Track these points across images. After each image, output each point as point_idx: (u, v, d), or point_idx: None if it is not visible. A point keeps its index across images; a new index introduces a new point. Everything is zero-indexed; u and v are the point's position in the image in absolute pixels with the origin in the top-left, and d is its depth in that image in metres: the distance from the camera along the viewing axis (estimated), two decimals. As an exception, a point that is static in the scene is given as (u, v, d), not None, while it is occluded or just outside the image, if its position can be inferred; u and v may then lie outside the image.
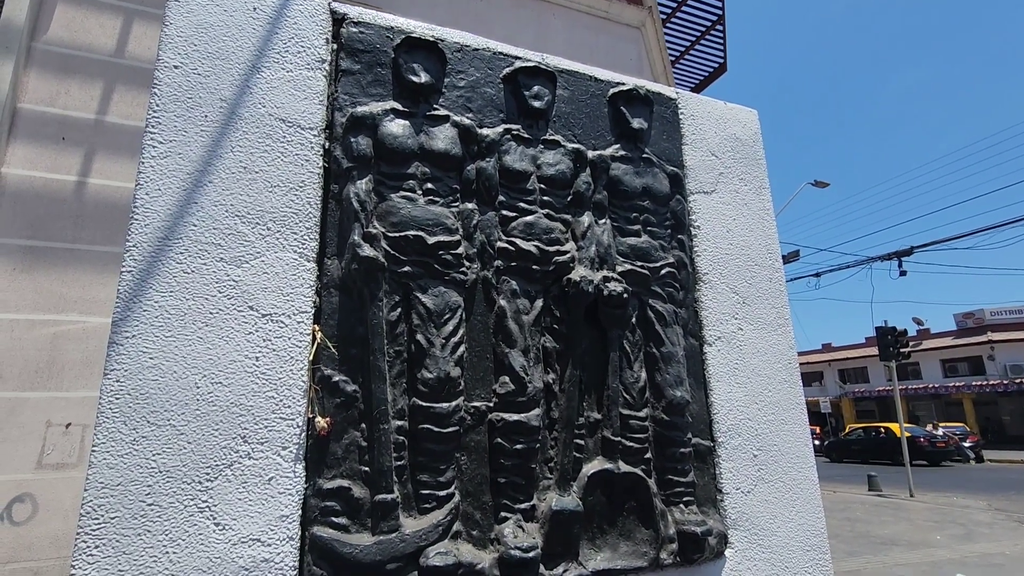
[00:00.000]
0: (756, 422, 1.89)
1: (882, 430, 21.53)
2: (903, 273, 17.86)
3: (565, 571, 1.46)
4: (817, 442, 23.25)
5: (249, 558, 1.20)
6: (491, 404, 1.52)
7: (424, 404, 1.42)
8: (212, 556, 1.18)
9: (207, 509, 1.20)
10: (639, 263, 1.80)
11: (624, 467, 1.61)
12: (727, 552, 1.71)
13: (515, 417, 1.50)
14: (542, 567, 1.42)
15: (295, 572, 1.24)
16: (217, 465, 1.22)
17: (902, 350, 14.35)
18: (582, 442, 1.60)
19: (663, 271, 1.84)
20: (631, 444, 1.65)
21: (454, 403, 1.45)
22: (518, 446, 1.49)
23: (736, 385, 1.90)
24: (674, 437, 1.71)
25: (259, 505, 1.24)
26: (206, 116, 1.39)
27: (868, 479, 13.91)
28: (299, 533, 1.26)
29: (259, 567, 1.21)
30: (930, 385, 30.83)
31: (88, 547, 1.10)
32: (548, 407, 1.59)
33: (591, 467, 1.59)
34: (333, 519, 1.29)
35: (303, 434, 1.32)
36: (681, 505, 1.67)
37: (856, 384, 35.09)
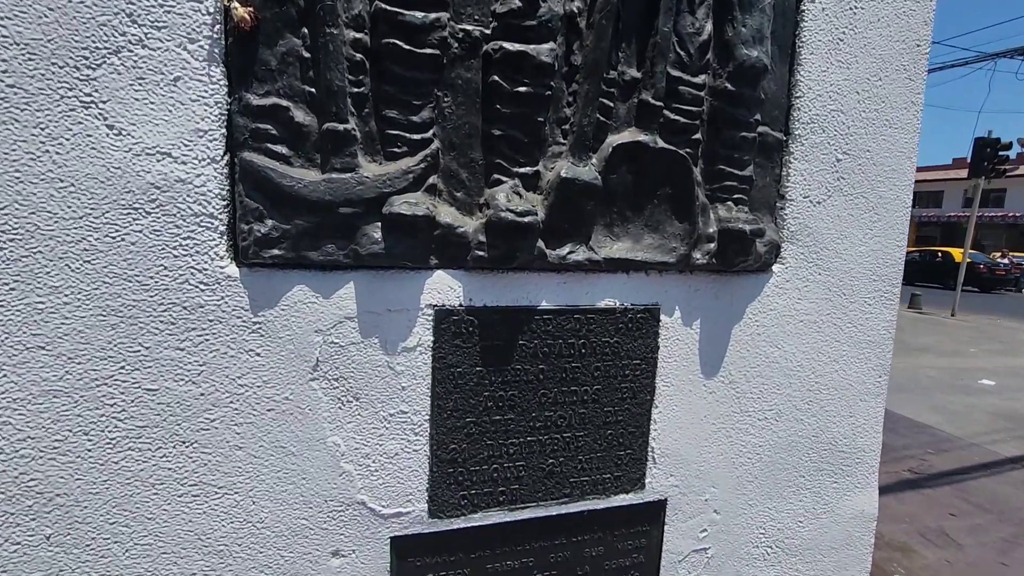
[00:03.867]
0: (850, 117, 1.41)
1: (939, 254, 20.52)
2: (1032, 75, 14.96)
3: (571, 253, 1.18)
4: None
5: (159, 175, 0.94)
6: (488, 30, 1.09)
7: (390, 8, 1.00)
8: (110, 166, 0.91)
9: (93, 106, 0.90)
10: None
11: (662, 143, 1.22)
12: (775, 267, 1.40)
13: (519, 48, 1.08)
14: (542, 244, 1.14)
15: (224, 203, 0.99)
16: (98, 48, 0.89)
17: (998, 166, 12.73)
18: (611, 104, 1.19)
19: None
20: (677, 117, 1.23)
21: (434, 15, 1.03)
22: (522, 88, 1.09)
23: (836, 63, 1.38)
24: (737, 116, 1.27)
25: (164, 112, 0.93)
26: None
27: (910, 297, 13.60)
28: (225, 156, 0.98)
29: (173, 187, 0.95)
30: (1010, 214, 28.46)
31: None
32: (568, 48, 1.15)
33: (619, 137, 1.21)
34: (269, 146, 0.99)
35: (219, 28, 0.95)
36: (730, 203, 1.31)
37: (926, 208, 32.79)
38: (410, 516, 1.18)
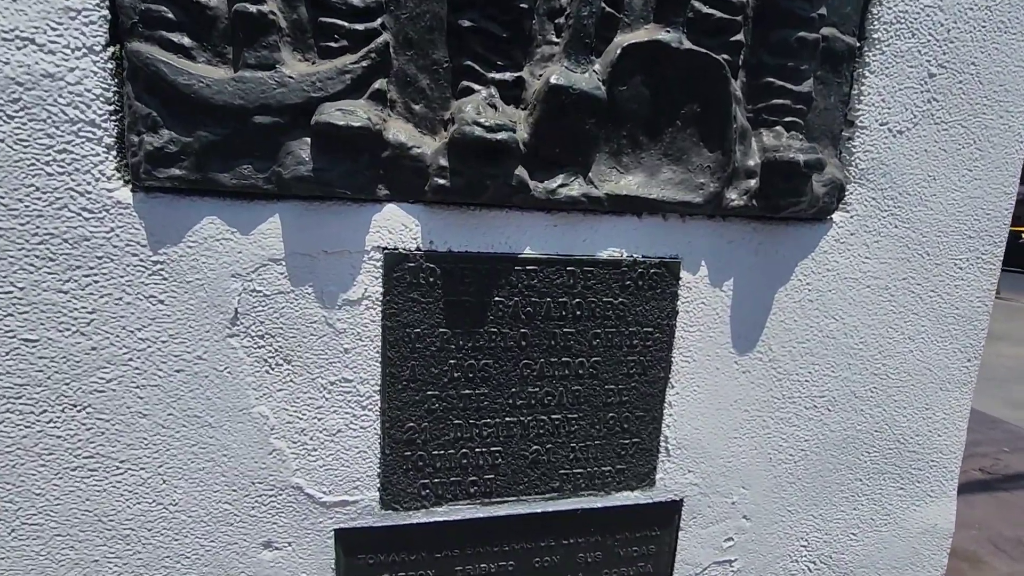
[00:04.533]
0: (951, 16, 1.06)
1: (1020, 235, 18.62)
2: None
3: (563, 186, 0.92)
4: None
5: (19, 66, 0.73)
6: None
7: None
8: (-43, 54, 0.72)
9: (-70, -27, 0.70)
10: None
11: (690, 44, 0.93)
12: (837, 215, 1.09)
13: (495, -95, 0.81)
14: (525, 173, 0.89)
15: (110, 108, 0.78)
16: None
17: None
18: (622, -9, 0.91)
19: None
20: (712, 11, 0.93)
21: None
22: (498, -39, 0.83)
23: (935, -59, 1.03)
24: (794, 10, 0.96)
25: (23, -17, 0.72)
26: None
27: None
28: (109, 47, 0.76)
29: (40, 84, 0.74)
30: (1110, 193, 25.58)
31: None
32: (565, -90, 0.87)
33: (632, 36, 0.92)
34: (165, 34, 0.77)
35: None
36: (779, 128, 1.01)
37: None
38: (358, 506, 0.97)
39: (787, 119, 1.01)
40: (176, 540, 0.91)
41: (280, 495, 0.94)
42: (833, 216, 1.09)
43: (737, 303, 1.07)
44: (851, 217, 1.10)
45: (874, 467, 1.24)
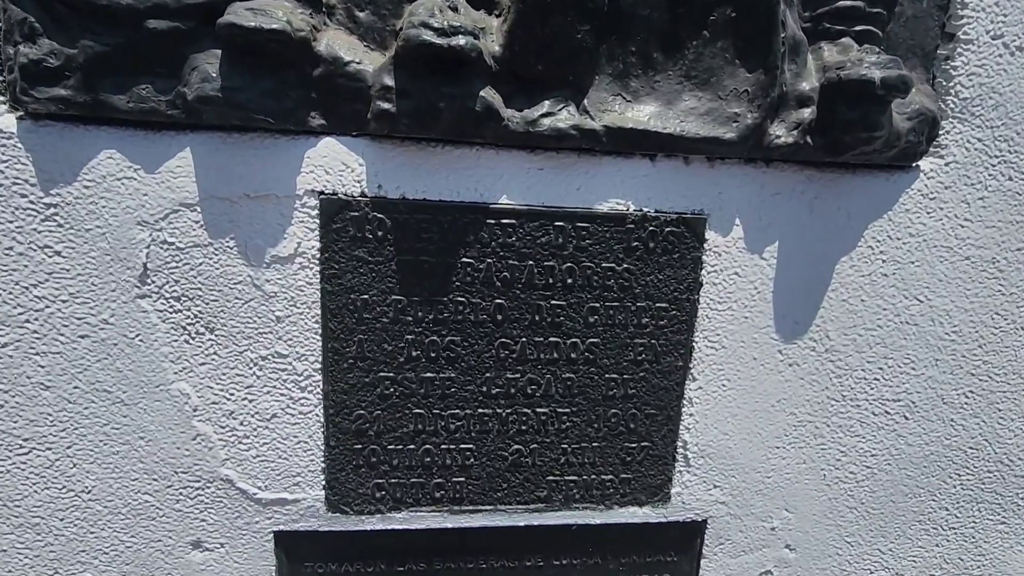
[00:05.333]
0: None
1: None
2: None
3: (547, 115, 0.71)
4: None
5: None
6: None
7: None
8: None
9: None
10: None
11: (725, -76, 0.70)
12: (925, 163, 0.82)
13: None
14: (495, 96, 0.69)
15: (-13, 16, 0.64)
16: None
17: None
18: None
19: None
20: None
21: None
22: None
23: None
24: None
25: None
26: None
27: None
28: (-21, -61, 0.63)
29: None
30: None
31: None
32: None
33: (643, -85, 0.70)
34: (43, -79, 0.63)
35: None
36: (847, 39, 0.76)
37: None
38: (300, 506, 0.82)
39: (858, 28, 0.75)
40: (92, 533, 0.79)
41: (208, 488, 0.79)
42: (920, 163, 0.82)
43: (782, 275, 0.83)
44: (946, 165, 0.83)
45: (966, 494, 0.97)
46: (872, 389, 0.89)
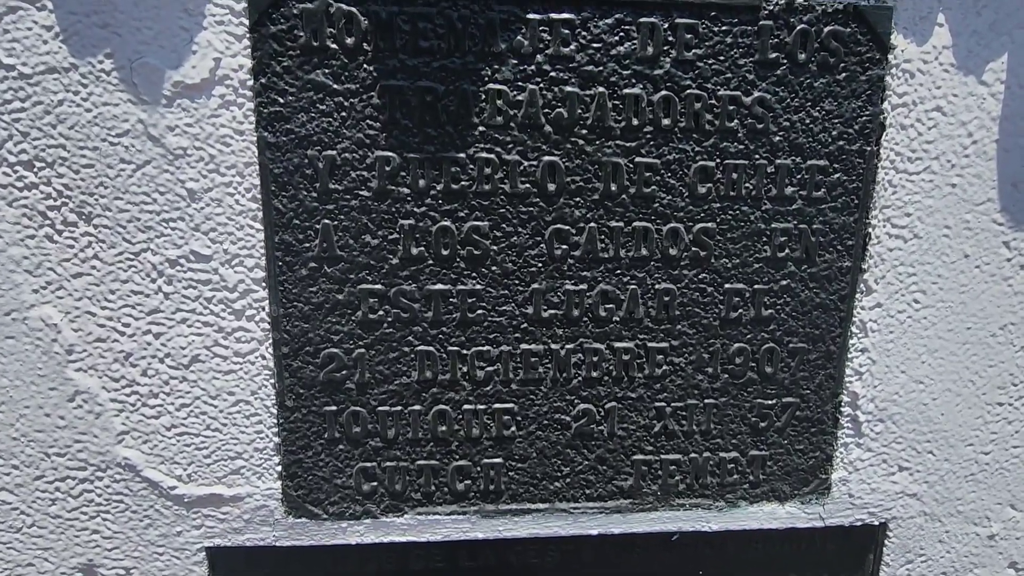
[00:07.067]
0: None
1: None
2: None
3: None
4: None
5: None
6: None
7: None
8: None
9: None
10: None
11: None
12: None
13: None
14: None
15: None
16: None
17: None
18: None
19: None
20: None
21: None
22: None
23: None
24: None
25: None
26: None
27: None
28: None
29: None
30: None
31: None
32: None
33: None
34: None
35: None
36: None
37: None
38: (245, 506, 0.52)
39: None
40: (-77, 552, 0.51)
41: (99, 479, 0.50)
42: None
43: (1018, 112, 0.50)
44: None
45: None
46: None
